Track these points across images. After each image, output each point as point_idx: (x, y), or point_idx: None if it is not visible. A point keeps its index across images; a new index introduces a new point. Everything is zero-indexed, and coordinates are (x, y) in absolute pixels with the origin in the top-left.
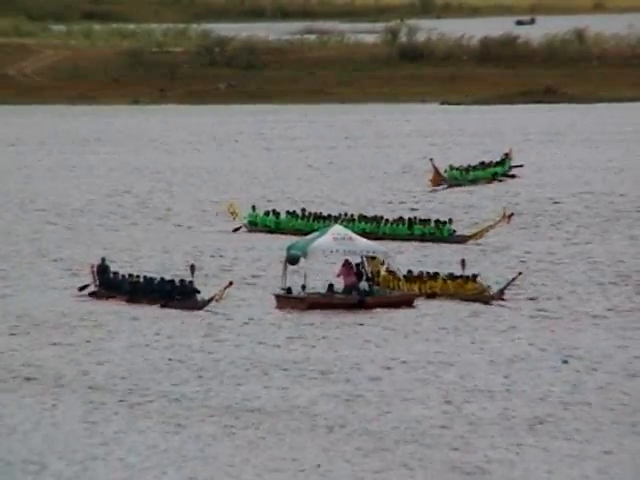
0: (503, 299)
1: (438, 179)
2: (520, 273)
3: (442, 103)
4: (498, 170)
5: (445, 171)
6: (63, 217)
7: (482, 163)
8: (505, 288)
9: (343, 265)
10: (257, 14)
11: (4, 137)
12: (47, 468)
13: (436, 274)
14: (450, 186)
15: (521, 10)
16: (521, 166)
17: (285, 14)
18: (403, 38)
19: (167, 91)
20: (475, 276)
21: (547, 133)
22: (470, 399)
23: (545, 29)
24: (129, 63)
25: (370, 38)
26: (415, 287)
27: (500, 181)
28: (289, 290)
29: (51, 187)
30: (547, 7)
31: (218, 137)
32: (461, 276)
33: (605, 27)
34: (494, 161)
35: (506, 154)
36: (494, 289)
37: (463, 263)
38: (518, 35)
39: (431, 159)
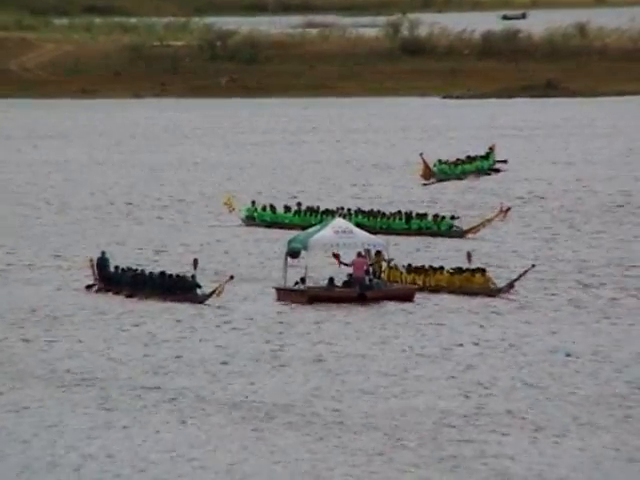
0: (511, 292)
1: (428, 173)
2: (533, 265)
3: (444, 97)
4: (484, 164)
5: (434, 165)
6: (61, 211)
7: (468, 157)
8: (515, 281)
9: (358, 256)
10: (258, 8)
11: (5, 131)
12: (42, 467)
13: (441, 267)
14: (439, 180)
15: (523, 4)
16: (505, 161)
17: (286, 8)
18: (405, 32)
19: (168, 85)
20: (482, 269)
21: (547, 127)
22: (470, 393)
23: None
24: (130, 57)
25: (372, 32)
26: (420, 280)
27: (488, 174)
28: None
29: (50, 181)
30: (548, 1)
31: (219, 131)
32: (467, 269)
33: (606, 21)
34: (479, 155)
35: (490, 148)
36: (504, 282)
37: (469, 256)
38: (519, 29)
39: (421, 153)
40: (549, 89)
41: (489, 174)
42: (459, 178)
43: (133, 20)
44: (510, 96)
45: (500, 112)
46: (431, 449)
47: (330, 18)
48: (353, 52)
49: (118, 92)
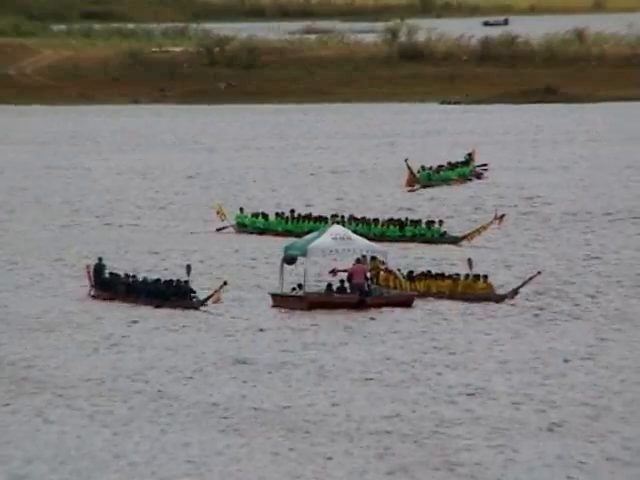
0: (515, 299)
1: (412, 180)
2: (539, 272)
3: (442, 103)
4: (466, 170)
5: (418, 172)
6: (58, 216)
7: (450, 163)
8: (520, 287)
9: (356, 262)
10: (257, 14)
11: (3, 137)
12: (41, 474)
13: (442, 274)
14: (423, 187)
15: (520, 9)
16: (485, 165)
17: (285, 14)
18: (403, 38)
19: (167, 91)
20: (485, 276)
21: (546, 132)
22: (468, 399)
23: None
24: (129, 63)
25: (370, 38)
26: (421, 287)
27: (470, 180)
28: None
29: (49, 187)
30: (546, 6)
31: (216, 137)
32: (469, 275)
33: (605, 27)
34: (460, 161)
35: (469, 154)
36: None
37: (470, 262)
38: (518, 34)
39: (406, 160)
40: (548, 94)
41: (471, 180)
42: (443, 184)
43: (131, 26)
44: (509, 101)
45: (498, 117)
46: (433, 457)
47: (329, 24)
48: (351, 58)
49: (116, 97)
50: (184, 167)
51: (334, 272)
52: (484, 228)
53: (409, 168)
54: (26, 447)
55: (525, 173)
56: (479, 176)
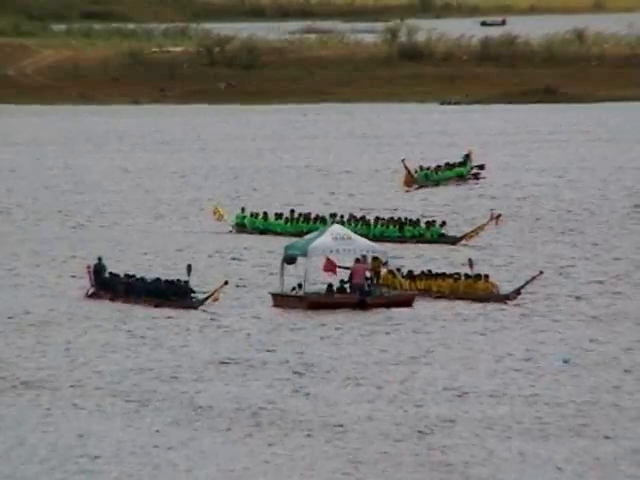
0: (517, 299)
1: (410, 180)
2: (541, 272)
3: (442, 103)
4: (463, 171)
5: (416, 172)
6: (57, 216)
7: (447, 164)
8: (522, 287)
9: (356, 262)
10: (257, 14)
11: (3, 137)
12: (37, 474)
13: (444, 273)
14: (420, 187)
15: (520, 9)
16: (482, 166)
17: (285, 14)
18: (403, 38)
19: (167, 91)
20: (486, 275)
21: (544, 132)
22: (467, 399)
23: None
24: (129, 63)
25: (370, 38)
26: (422, 287)
27: (467, 180)
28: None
29: (48, 187)
30: (546, 6)
31: (216, 137)
32: (470, 275)
33: (605, 27)
34: (458, 162)
35: (467, 155)
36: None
37: (471, 262)
38: (517, 35)
39: (403, 160)
40: (547, 94)
41: (469, 180)
42: (440, 185)
43: (132, 26)
44: (508, 102)
45: (498, 117)
46: (431, 457)
47: (328, 24)
48: (351, 58)
49: (116, 98)
50: (184, 167)
51: (332, 270)
52: (481, 228)
53: (406, 168)
54: (22, 446)
55: (523, 173)
56: (476, 176)
